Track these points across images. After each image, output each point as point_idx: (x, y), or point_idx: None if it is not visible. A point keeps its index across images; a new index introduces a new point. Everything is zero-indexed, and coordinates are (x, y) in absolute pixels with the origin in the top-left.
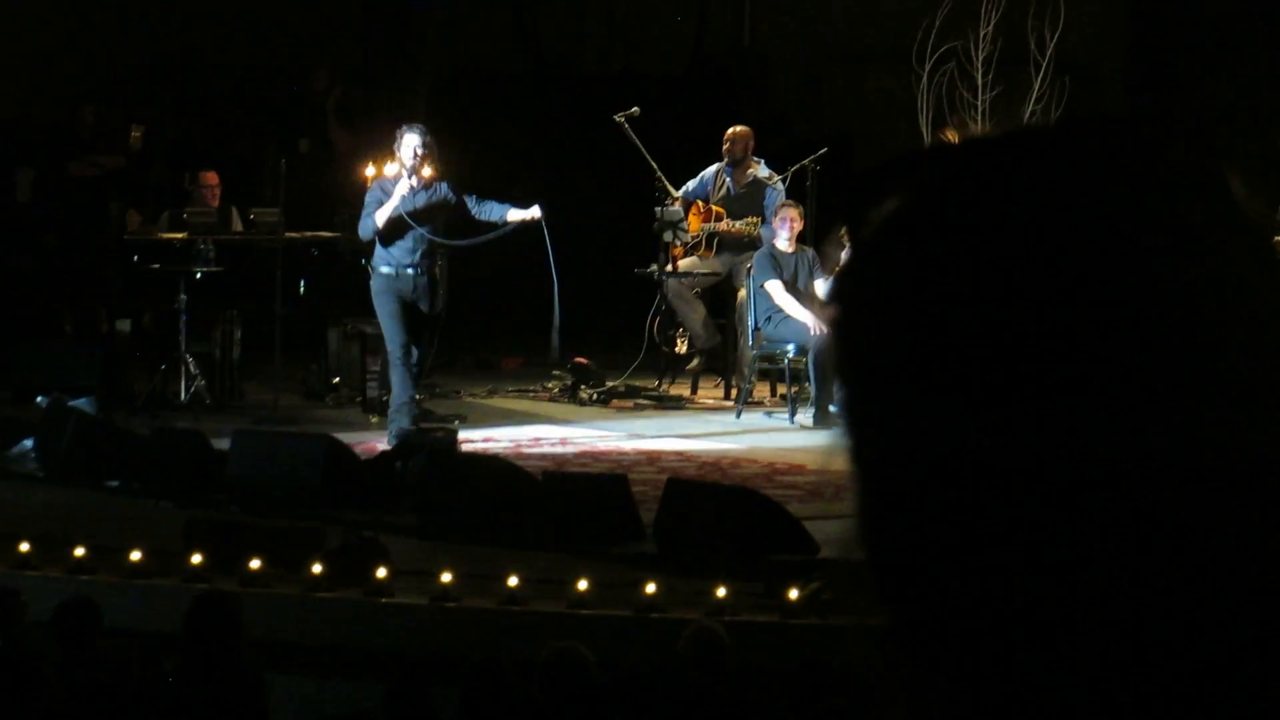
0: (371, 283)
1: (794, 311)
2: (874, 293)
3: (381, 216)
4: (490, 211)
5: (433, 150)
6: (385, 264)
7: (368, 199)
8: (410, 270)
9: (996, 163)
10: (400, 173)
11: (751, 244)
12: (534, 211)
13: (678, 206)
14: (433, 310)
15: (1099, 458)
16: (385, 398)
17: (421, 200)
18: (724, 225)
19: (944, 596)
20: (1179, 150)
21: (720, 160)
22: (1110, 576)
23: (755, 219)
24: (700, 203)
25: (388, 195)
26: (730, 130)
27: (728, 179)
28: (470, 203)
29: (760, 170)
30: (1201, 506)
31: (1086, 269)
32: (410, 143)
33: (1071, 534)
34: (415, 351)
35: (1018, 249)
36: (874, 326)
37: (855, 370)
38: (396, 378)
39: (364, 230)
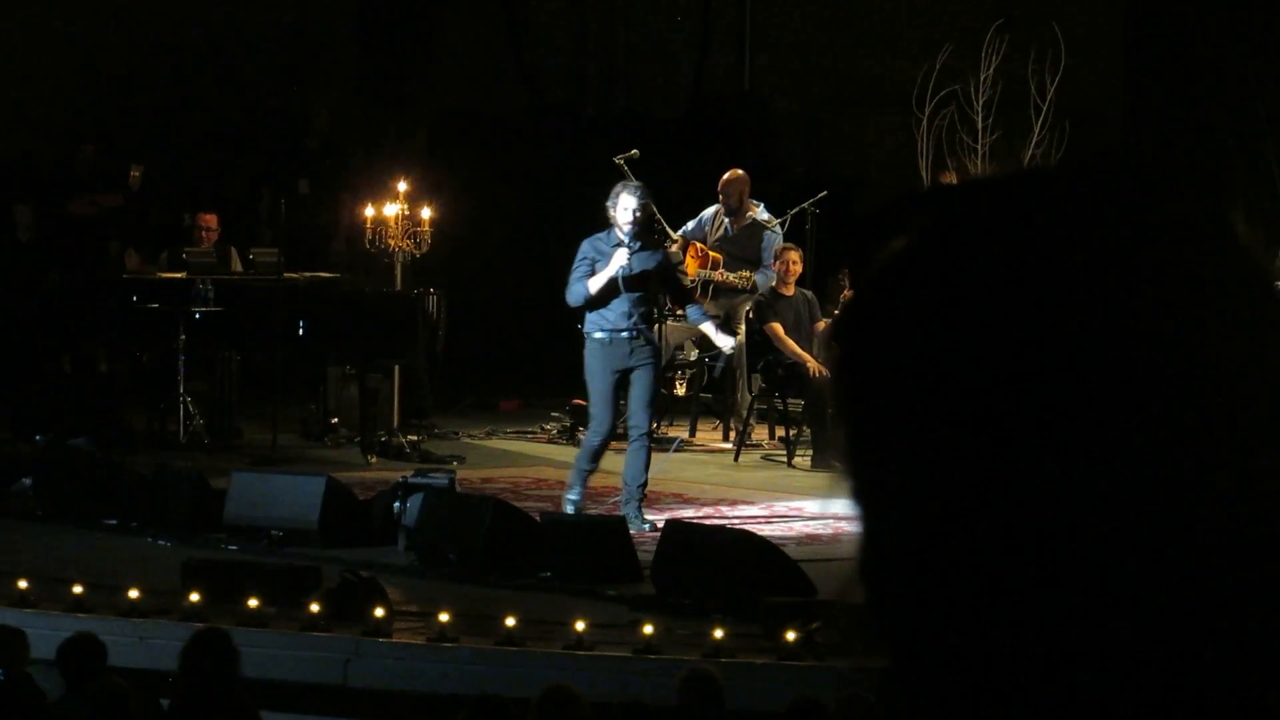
0: (585, 350)
1: (793, 354)
2: (875, 333)
3: (595, 284)
4: (690, 311)
5: (651, 211)
6: (599, 329)
7: (578, 261)
8: (625, 335)
9: (998, 204)
10: (616, 234)
11: (743, 293)
12: (728, 344)
13: (676, 249)
14: (655, 382)
15: (1102, 504)
16: (384, 438)
17: (637, 265)
18: (719, 275)
19: (942, 640)
20: (1183, 191)
21: (716, 200)
22: (1116, 626)
23: (748, 273)
24: (697, 244)
25: (602, 257)
26: (725, 178)
27: (726, 221)
28: (681, 290)
29: (760, 213)
30: (1211, 565)
31: (1089, 313)
32: (627, 204)
33: (1071, 580)
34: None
35: (1020, 292)
36: (875, 367)
37: (856, 410)
38: (583, 451)
39: (574, 297)
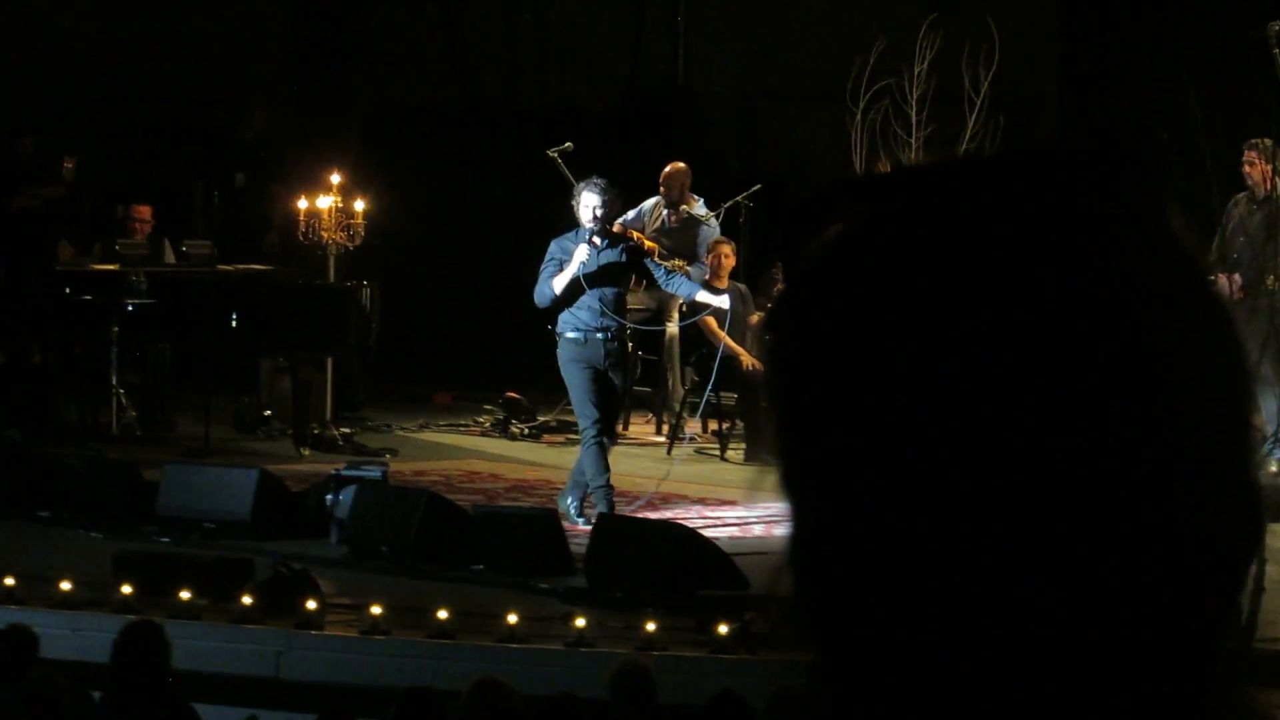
0: (559, 350)
1: (726, 347)
2: (807, 322)
3: (559, 283)
4: (679, 287)
5: (615, 207)
6: (572, 329)
7: (545, 261)
8: (600, 336)
9: (933, 193)
10: (581, 233)
11: None
12: (723, 301)
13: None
14: (625, 382)
15: (1033, 495)
16: (317, 430)
17: (603, 262)
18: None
19: (868, 632)
20: (1119, 183)
21: (657, 194)
22: (1046, 618)
23: (681, 262)
24: (636, 234)
25: (568, 256)
26: (666, 170)
27: (665, 213)
28: (659, 274)
29: (698, 208)
30: (1142, 561)
31: (1022, 304)
32: (589, 202)
33: (999, 570)
34: (609, 428)
35: (953, 282)
36: (806, 356)
37: (787, 399)
38: (589, 458)
39: (540, 298)
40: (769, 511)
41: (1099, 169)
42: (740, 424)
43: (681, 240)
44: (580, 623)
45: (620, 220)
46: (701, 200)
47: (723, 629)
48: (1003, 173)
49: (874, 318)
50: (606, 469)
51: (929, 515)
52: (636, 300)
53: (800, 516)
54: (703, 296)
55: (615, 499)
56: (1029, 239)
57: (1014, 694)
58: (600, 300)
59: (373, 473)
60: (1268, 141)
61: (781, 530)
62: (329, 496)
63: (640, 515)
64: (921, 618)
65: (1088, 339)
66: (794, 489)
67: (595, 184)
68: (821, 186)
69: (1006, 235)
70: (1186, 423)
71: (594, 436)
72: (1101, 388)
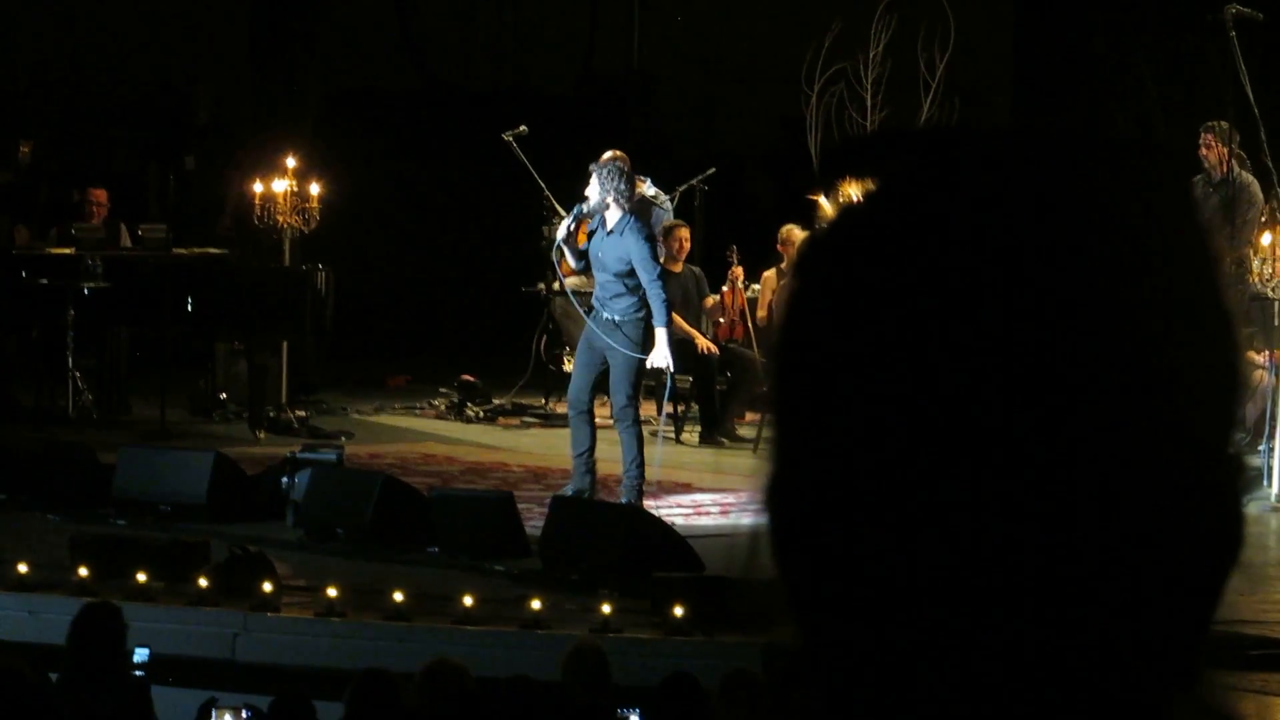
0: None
1: (680, 330)
2: (834, 275)
3: (570, 261)
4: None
5: (614, 187)
6: (589, 304)
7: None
8: (600, 314)
9: (968, 159)
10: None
11: None
12: (660, 361)
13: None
14: (620, 363)
15: (1030, 467)
16: (273, 414)
17: (604, 248)
18: None
19: (860, 607)
20: (1153, 164)
21: None
22: (1027, 594)
23: None
24: (586, 221)
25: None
26: (605, 156)
27: None
28: (645, 271)
29: (647, 189)
30: (1139, 559)
31: (1040, 279)
32: (590, 188)
33: (992, 548)
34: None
35: (977, 250)
36: (829, 309)
37: (803, 351)
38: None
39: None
40: (724, 495)
41: (1132, 154)
42: (695, 407)
43: None
44: (535, 605)
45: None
46: (649, 180)
47: (677, 611)
48: (1039, 148)
49: (897, 278)
50: (580, 447)
51: (931, 475)
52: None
53: (794, 478)
54: (658, 335)
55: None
56: (1051, 212)
57: (996, 675)
58: (600, 285)
59: (328, 455)
60: (1224, 124)
61: (740, 514)
62: (284, 479)
63: (595, 497)
64: (913, 592)
65: (1098, 318)
66: (793, 448)
67: (597, 166)
68: (862, 135)
69: (1033, 210)
70: (1178, 415)
71: (576, 410)
72: (1105, 368)
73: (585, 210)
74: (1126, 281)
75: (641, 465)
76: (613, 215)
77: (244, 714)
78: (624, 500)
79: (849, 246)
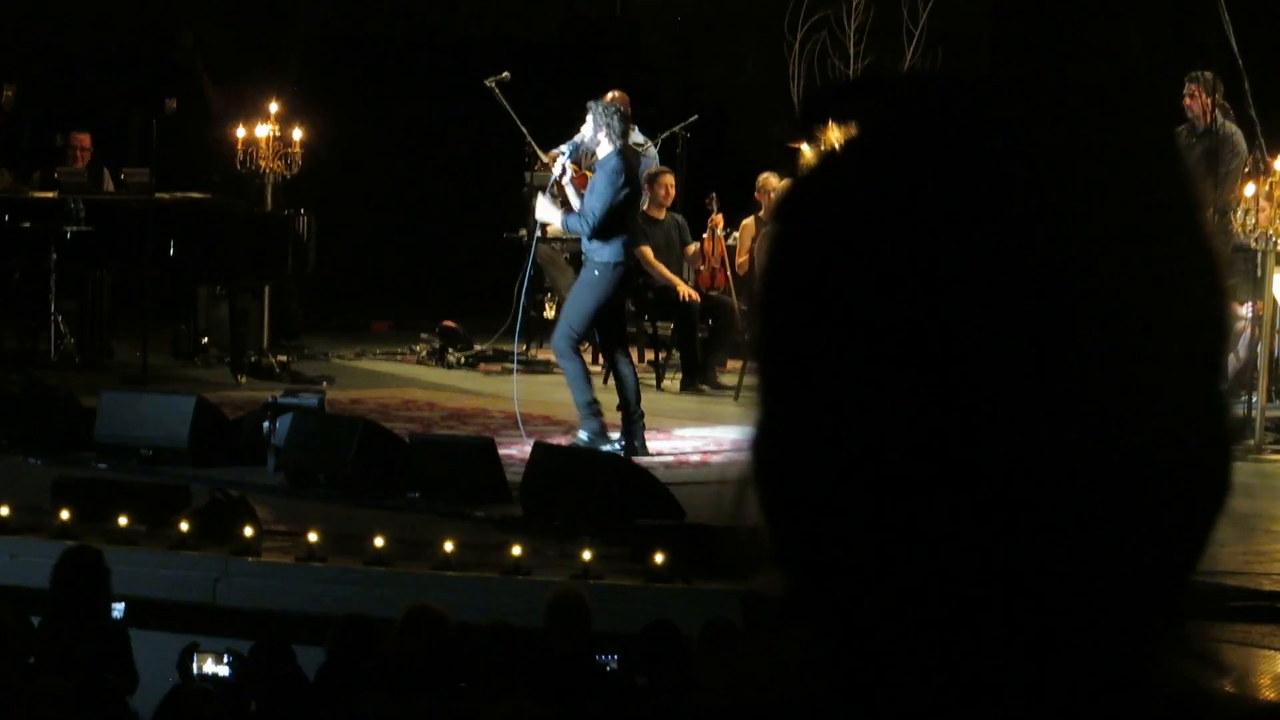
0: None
1: (662, 277)
2: (816, 219)
3: (573, 200)
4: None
5: (607, 123)
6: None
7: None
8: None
9: (949, 104)
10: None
11: None
12: (555, 217)
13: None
14: (572, 294)
15: (1011, 410)
16: (255, 358)
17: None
18: None
19: (844, 551)
20: (1132, 110)
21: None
22: (1013, 536)
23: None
24: (572, 167)
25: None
26: (606, 97)
27: None
28: (588, 197)
29: (634, 136)
30: (1111, 501)
31: (1021, 220)
32: (588, 123)
33: (977, 490)
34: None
35: (959, 194)
36: (811, 252)
37: (785, 293)
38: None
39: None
40: (705, 442)
41: (1114, 98)
42: (676, 354)
43: None
44: (516, 551)
45: (556, 151)
46: (636, 128)
47: (658, 558)
48: (1020, 94)
49: (878, 225)
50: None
51: (912, 420)
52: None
53: (778, 427)
54: (554, 216)
55: (548, 427)
56: (1035, 158)
57: (979, 619)
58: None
59: (309, 400)
60: (1208, 74)
61: (722, 460)
62: (266, 424)
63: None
64: (897, 536)
65: (1080, 260)
66: (774, 395)
67: (591, 104)
68: (841, 81)
69: (1015, 153)
70: (1162, 359)
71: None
72: (1087, 308)
73: (580, 144)
74: (1109, 224)
75: (591, 402)
76: (602, 151)
77: (225, 658)
78: (581, 435)
79: (829, 193)
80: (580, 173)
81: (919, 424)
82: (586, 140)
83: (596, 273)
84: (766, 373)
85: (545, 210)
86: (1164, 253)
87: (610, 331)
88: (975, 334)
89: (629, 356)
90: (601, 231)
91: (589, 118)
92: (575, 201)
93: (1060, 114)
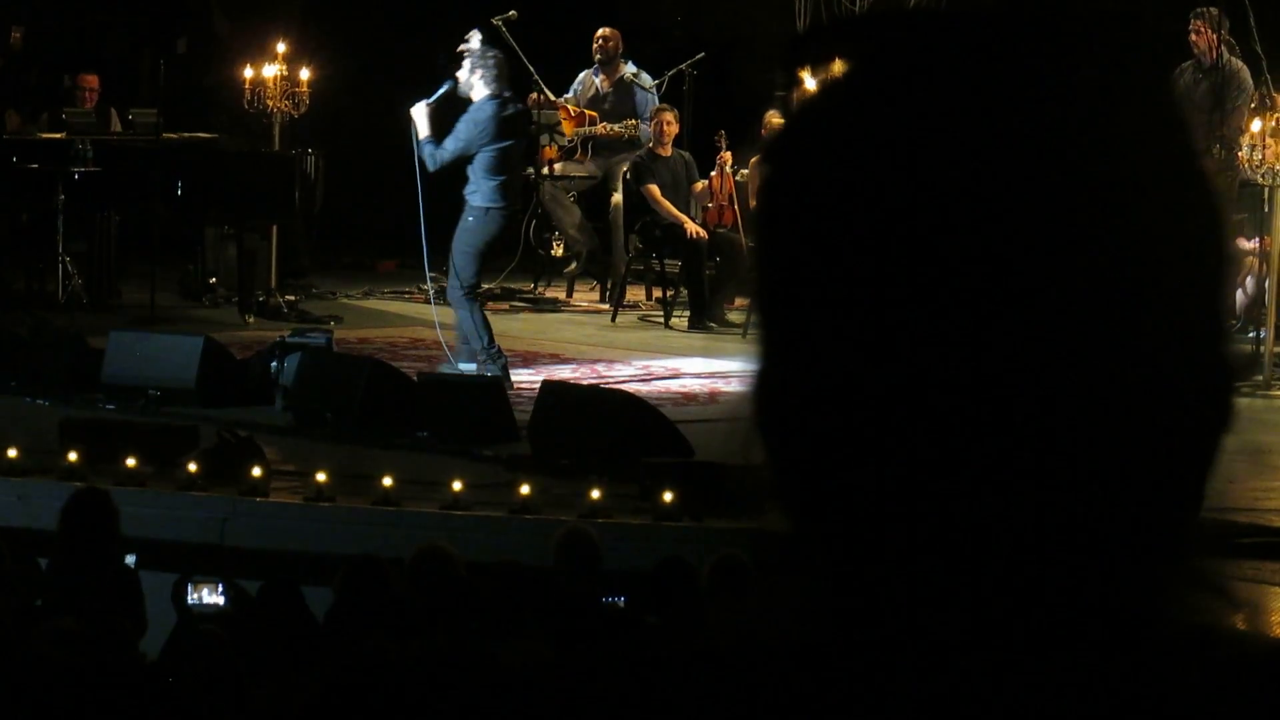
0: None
1: (669, 215)
2: (805, 160)
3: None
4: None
5: (484, 67)
6: None
7: None
8: None
9: (933, 40)
10: None
11: (630, 144)
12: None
13: (550, 109)
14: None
15: (1006, 348)
16: (262, 298)
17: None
18: (601, 129)
19: (846, 490)
20: (1122, 45)
21: (591, 65)
22: (1011, 472)
23: (633, 121)
24: (569, 106)
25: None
26: (599, 32)
27: (596, 80)
28: (451, 136)
29: (628, 69)
30: (1112, 430)
31: (1010, 160)
32: (464, 69)
33: (977, 427)
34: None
35: (945, 133)
36: (802, 194)
37: (780, 239)
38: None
39: None
40: (713, 380)
41: (1104, 30)
42: (684, 291)
43: (619, 105)
44: (524, 490)
45: (562, 98)
46: (631, 62)
47: (666, 497)
48: (1005, 26)
49: (867, 163)
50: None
51: (909, 360)
52: (583, 169)
53: (780, 367)
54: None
55: (556, 365)
56: (1024, 94)
57: (984, 554)
58: None
59: (317, 340)
60: (1214, 10)
61: (730, 397)
62: (273, 364)
63: (585, 382)
64: (898, 467)
65: (1075, 192)
66: (774, 337)
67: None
68: (821, 22)
69: (1002, 89)
70: (1162, 290)
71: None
72: (1083, 239)
73: (456, 88)
74: (1105, 156)
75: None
76: (477, 95)
77: (219, 587)
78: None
79: (819, 134)
80: (578, 111)
81: (916, 362)
82: (461, 84)
83: (471, 218)
84: (765, 315)
85: (420, 115)
86: (1160, 184)
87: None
88: (972, 269)
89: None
90: (457, 171)
91: (465, 62)
92: (425, 131)
93: (1055, 49)
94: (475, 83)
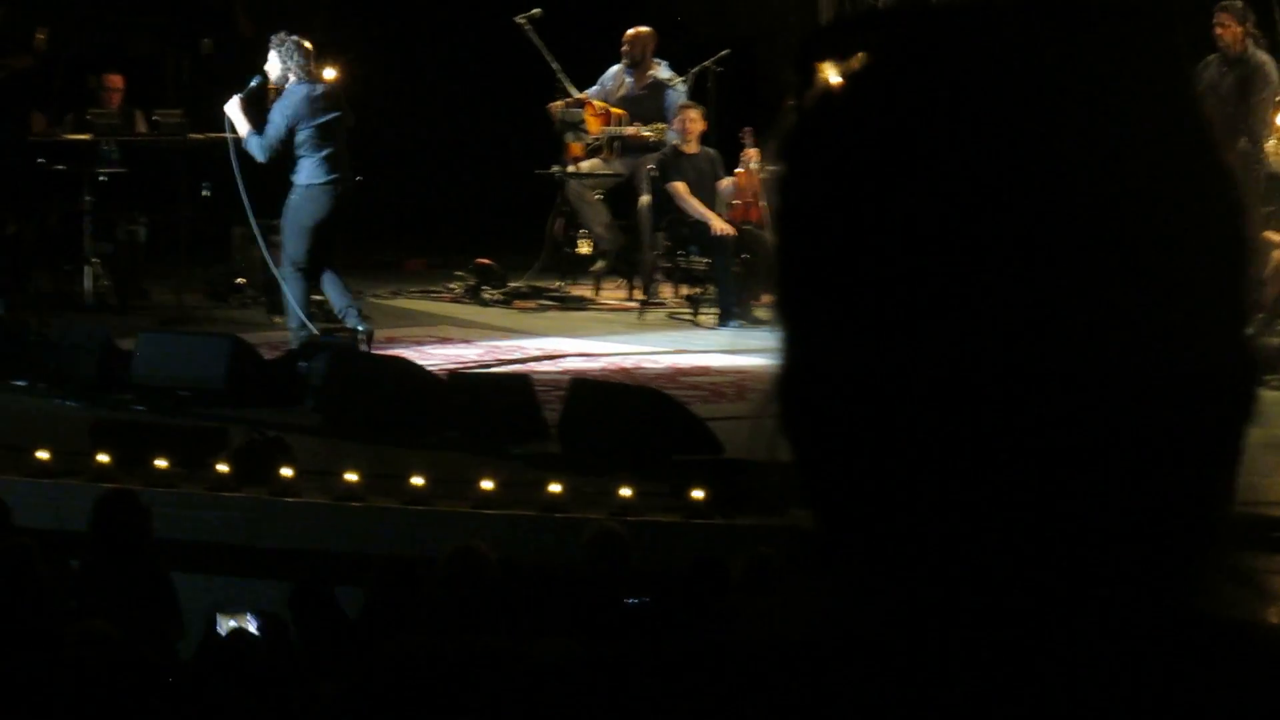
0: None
1: (696, 212)
2: (819, 155)
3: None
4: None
5: (295, 61)
6: None
7: None
8: None
9: (947, 32)
10: None
11: (657, 148)
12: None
13: (576, 108)
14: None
15: (1030, 337)
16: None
17: None
18: (631, 130)
19: (872, 483)
20: (1139, 32)
21: (620, 61)
22: (1039, 467)
23: (661, 125)
24: (595, 103)
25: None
26: (630, 31)
27: (628, 79)
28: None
29: (662, 71)
30: (1137, 419)
31: (1028, 149)
32: (272, 61)
33: (1002, 423)
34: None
35: (961, 123)
36: (817, 188)
37: (795, 233)
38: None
39: None
40: (741, 377)
41: (1122, 22)
42: (712, 288)
43: (649, 105)
44: (554, 488)
45: (586, 94)
46: (665, 64)
47: (696, 494)
48: (1023, 20)
49: (884, 155)
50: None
51: (929, 354)
52: (610, 167)
53: (800, 364)
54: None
55: (584, 362)
56: (1040, 84)
57: (1013, 551)
58: None
59: (346, 340)
60: (1239, 3)
61: (761, 392)
62: (302, 364)
63: (613, 379)
64: (924, 462)
65: (1091, 188)
66: (795, 332)
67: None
68: (836, 18)
69: (1018, 80)
70: (1182, 280)
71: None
72: (1101, 238)
73: (268, 81)
74: (1123, 151)
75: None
76: (290, 80)
77: (248, 619)
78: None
79: (831, 130)
80: (604, 108)
81: (937, 356)
82: (275, 77)
83: (295, 196)
84: (786, 313)
85: (234, 112)
86: (1179, 174)
87: (317, 254)
88: (993, 261)
89: (333, 271)
90: (282, 157)
91: (271, 54)
92: (244, 126)
93: (1066, 36)
94: (283, 71)
